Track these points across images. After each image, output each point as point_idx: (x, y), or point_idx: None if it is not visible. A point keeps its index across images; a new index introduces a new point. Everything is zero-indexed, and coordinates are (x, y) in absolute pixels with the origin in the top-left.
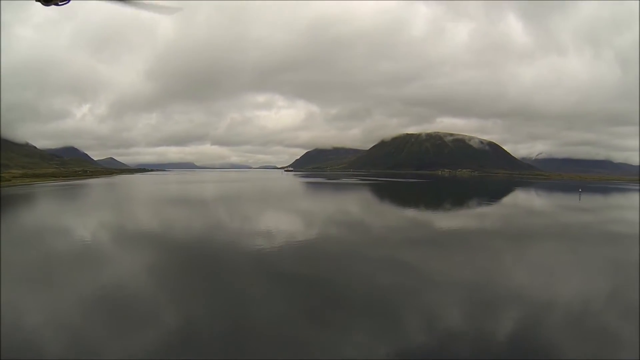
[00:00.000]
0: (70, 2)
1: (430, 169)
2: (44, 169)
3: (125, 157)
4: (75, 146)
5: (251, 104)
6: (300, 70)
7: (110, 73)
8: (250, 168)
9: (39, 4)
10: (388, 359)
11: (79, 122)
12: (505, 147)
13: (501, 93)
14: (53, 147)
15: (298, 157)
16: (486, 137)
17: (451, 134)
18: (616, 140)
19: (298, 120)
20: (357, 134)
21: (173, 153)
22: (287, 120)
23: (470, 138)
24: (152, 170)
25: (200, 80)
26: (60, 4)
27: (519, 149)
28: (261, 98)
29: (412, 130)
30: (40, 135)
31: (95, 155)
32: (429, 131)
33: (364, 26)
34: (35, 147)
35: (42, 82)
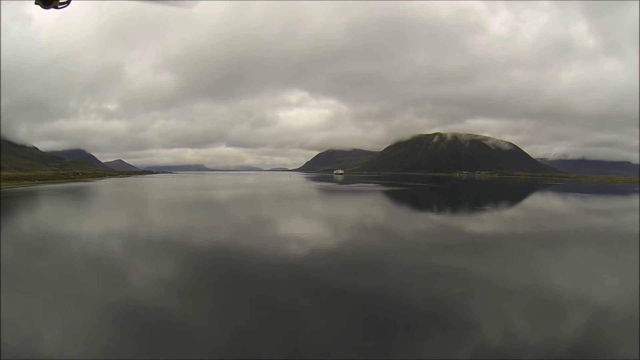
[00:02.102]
0: (71, 4)
1: (447, 171)
2: (41, 172)
3: (137, 160)
4: (86, 147)
5: (277, 103)
6: (343, 61)
7: (132, 70)
8: (261, 170)
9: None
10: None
11: (93, 123)
12: (522, 148)
13: (539, 93)
14: (61, 148)
15: (309, 159)
16: (510, 138)
17: (473, 135)
18: (636, 141)
19: (324, 119)
20: (381, 135)
21: (189, 155)
22: (312, 120)
23: (487, 139)
24: (157, 173)
25: (230, 75)
26: (59, 6)
27: (537, 150)
28: (290, 96)
29: (437, 130)
30: (50, 136)
31: (107, 157)
32: (445, 132)
33: (439, 20)
34: (36, 149)
35: (58, 80)
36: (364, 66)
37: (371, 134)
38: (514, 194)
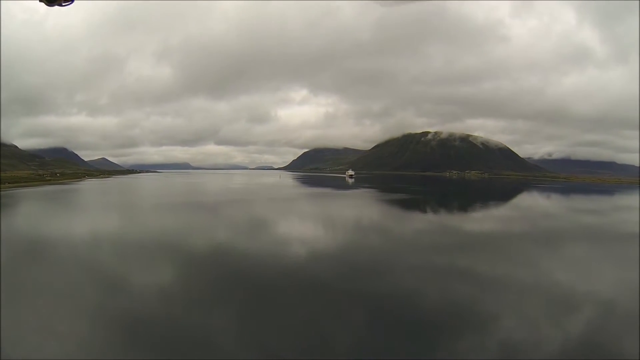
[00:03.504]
0: (75, 2)
1: (437, 171)
2: (15, 172)
3: (126, 158)
4: (73, 145)
5: (276, 100)
6: (358, 57)
7: (132, 63)
8: (247, 169)
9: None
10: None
11: (82, 119)
12: (513, 147)
13: (542, 96)
14: (46, 146)
15: (295, 158)
16: (504, 138)
17: (462, 133)
18: (623, 142)
19: (321, 117)
20: (377, 133)
21: (178, 153)
22: (308, 117)
23: (477, 138)
24: (140, 172)
25: (235, 70)
26: (64, 4)
27: (526, 150)
28: (290, 93)
29: (436, 129)
30: (33, 133)
31: (94, 154)
32: (434, 130)
33: (471, 23)
34: (16, 147)
35: (52, 73)
36: (378, 62)
37: (366, 133)
38: (518, 196)
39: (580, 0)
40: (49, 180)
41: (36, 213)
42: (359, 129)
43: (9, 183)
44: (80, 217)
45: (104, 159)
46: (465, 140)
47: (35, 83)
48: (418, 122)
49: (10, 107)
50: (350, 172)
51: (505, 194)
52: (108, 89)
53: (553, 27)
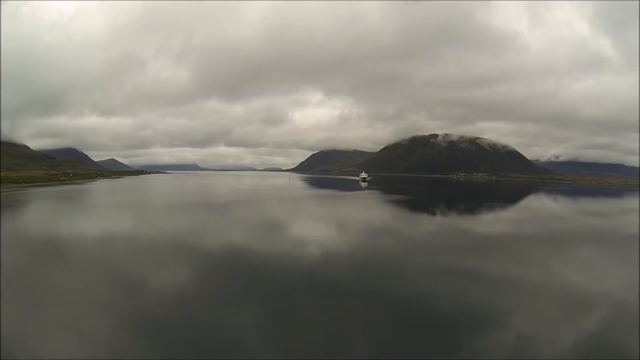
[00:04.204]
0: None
1: (444, 173)
2: (29, 172)
3: (137, 159)
4: (82, 145)
5: (291, 102)
6: (377, 61)
7: (148, 64)
8: (254, 170)
9: None
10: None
11: (95, 120)
12: (521, 150)
13: (554, 100)
14: (54, 147)
15: (303, 160)
16: (514, 140)
17: (469, 136)
18: (631, 144)
19: (333, 119)
20: (388, 136)
21: (189, 154)
22: (321, 119)
23: (484, 140)
24: (150, 173)
25: (256, 73)
26: None
27: (533, 152)
28: (305, 95)
29: (447, 132)
30: (44, 134)
31: (105, 155)
32: (441, 133)
33: (493, 31)
34: (27, 147)
35: (66, 75)
36: (396, 66)
37: (376, 135)
38: (525, 199)
39: (595, 0)
40: (63, 180)
41: (62, 211)
42: (369, 131)
43: (25, 183)
44: (102, 216)
45: (113, 159)
46: (473, 143)
47: (57, 84)
48: (430, 125)
49: (30, 109)
50: (364, 174)
51: (512, 196)
52: (123, 90)
53: (570, 36)
